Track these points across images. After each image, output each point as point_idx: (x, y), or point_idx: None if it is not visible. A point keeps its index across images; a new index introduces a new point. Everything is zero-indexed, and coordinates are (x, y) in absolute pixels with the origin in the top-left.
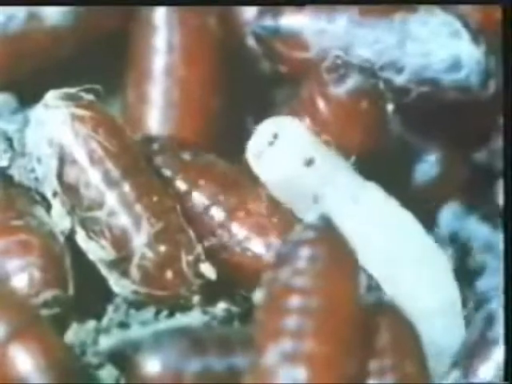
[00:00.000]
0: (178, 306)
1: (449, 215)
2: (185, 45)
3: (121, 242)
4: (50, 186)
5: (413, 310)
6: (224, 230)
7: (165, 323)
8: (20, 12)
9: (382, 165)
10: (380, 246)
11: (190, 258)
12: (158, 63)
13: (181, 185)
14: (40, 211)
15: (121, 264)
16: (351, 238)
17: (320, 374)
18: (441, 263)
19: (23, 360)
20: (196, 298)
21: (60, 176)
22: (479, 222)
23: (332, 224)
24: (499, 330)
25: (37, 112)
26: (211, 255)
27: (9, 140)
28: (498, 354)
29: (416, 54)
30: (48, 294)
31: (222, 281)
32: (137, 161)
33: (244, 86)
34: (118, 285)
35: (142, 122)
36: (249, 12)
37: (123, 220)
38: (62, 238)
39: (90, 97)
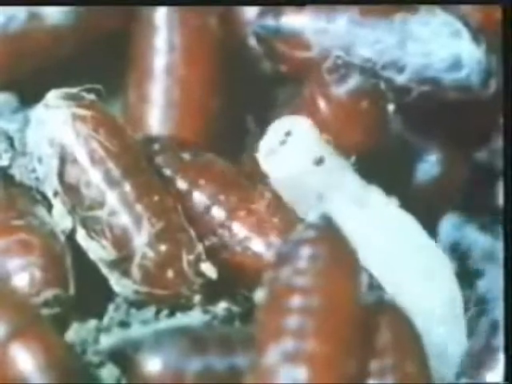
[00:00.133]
0: (178, 305)
1: (448, 226)
2: (185, 45)
3: (121, 242)
4: (50, 186)
5: (414, 312)
6: (225, 230)
7: (165, 322)
8: (21, 12)
9: (382, 165)
10: (383, 250)
11: (191, 257)
12: (158, 63)
13: (181, 184)
14: (41, 211)
15: (121, 263)
16: (354, 240)
17: (321, 373)
18: (443, 267)
19: (24, 359)
20: (197, 298)
21: (61, 176)
22: (479, 232)
23: (333, 223)
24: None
25: (38, 112)
26: (212, 255)
27: (9, 139)
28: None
29: (417, 53)
30: (49, 294)
31: (222, 280)
32: (137, 160)
33: (244, 85)
34: (119, 284)
35: (143, 122)
36: (249, 12)
37: (124, 219)
38: (62, 238)
39: (90, 97)
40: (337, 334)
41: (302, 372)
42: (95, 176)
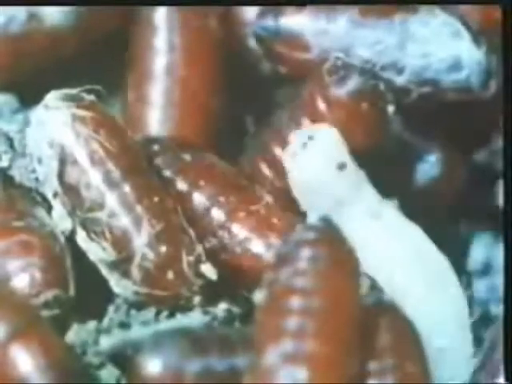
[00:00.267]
0: (178, 306)
1: (480, 245)
2: (185, 45)
3: (121, 243)
4: (50, 187)
5: (422, 322)
6: (224, 231)
7: (165, 324)
8: (20, 12)
9: (382, 165)
10: (393, 261)
11: (191, 258)
12: (158, 63)
13: (181, 185)
14: (41, 212)
15: (121, 265)
16: (367, 250)
17: (320, 374)
18: (451, 280)
19: (24, 360)
20: (197, 299)
21: (61, 177)
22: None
23: (333, 225)
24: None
25: (37, 113)
26: (212, 256)
27: (9, 140)
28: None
29: (416, 54)
30: (49, 295)
31: (222, 281)
32: (137, 161)
33: (244, 86)
34: (119, 285)
35: (143, 123)
36: (249, 12)
37: (124, 221)
38: (62, 239)
39: (90, 97)
40: (336, 334)
41: (301, 373)
42: (95, 177)
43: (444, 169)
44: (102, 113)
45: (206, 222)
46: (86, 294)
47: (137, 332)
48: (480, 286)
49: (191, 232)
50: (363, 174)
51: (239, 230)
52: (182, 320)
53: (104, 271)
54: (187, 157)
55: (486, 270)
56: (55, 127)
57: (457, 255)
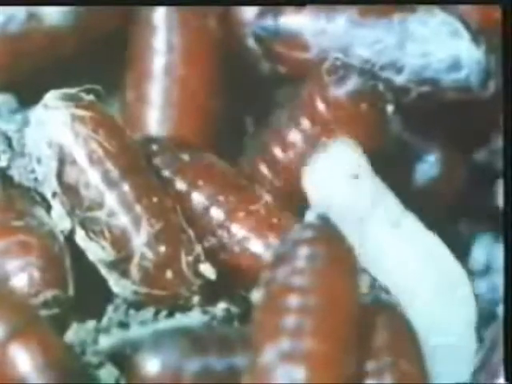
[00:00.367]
0: (177, 305)
1: (481, 247)
2: (184, 45)
3: (120, 243)
4: (49, 187)
5: (434, 328)
6: (224, 230)
7: (164, 323)
8: (20, 12)
9: (381, 165)
10: (413, 271)
11: (190, 258)
12: (157, 63)
13: (180, 185)
14: (40, 212)
15: (120, 264)
16: (388, 259)
17: (318, 373)
18: (465, 286)
19: (23, 360)
20: (196, 298)
21: (60, 176)
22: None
23: (330, 223)
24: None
25: (37, 112)
26: (211, 255)
27: (8, 140)
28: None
29: (416, 54)
30: (48, 294)
31: (221, 281)
32: (136, 161)
33: (243, 86)
34: (118, 285)
35: (142, 122)
36: (249, 12)
37: (123, 220)
38: (61, 239)
39: (89, 97)
40: (334, 333)
41: (299, 371)
42: (94, 177)
43: (444, 169)
44: (100, 112)
45: (205, 222)
46: (85, 293)
47: (136, 331)
48: (480, 286)
49: (190, 232)
50: (380, 182)
51: (238, 230)
52: (181, 319)
53: (103, 271)
54: (186, 157)
55: (486, 269)
56: (54, 127)
57: (456, 255)
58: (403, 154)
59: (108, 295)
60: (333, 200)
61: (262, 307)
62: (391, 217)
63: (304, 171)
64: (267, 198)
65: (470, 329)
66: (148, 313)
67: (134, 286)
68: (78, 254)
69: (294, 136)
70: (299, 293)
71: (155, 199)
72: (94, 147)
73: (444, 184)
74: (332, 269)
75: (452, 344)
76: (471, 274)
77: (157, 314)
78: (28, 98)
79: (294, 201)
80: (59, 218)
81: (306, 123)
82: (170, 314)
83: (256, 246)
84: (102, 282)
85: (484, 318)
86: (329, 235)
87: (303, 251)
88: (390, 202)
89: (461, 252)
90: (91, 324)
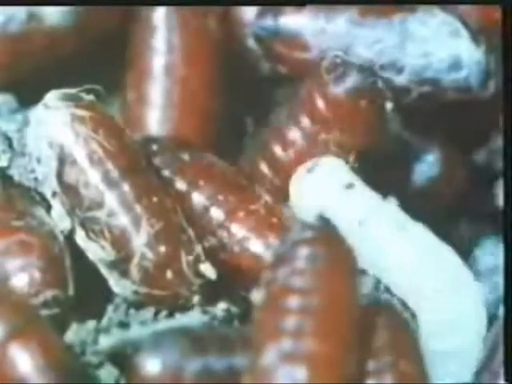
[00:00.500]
0: (177, 305)
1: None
2: (184, 45)
3: (121, 242)
4: (49, 187)
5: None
6: (224, 230)
7: (165, 323)
8: (20, 12)
9: (381, 165)
10: (418, 275)
11: (190, 258)
12: (157, 63)
13: (180, 185)
14: (40, 211)
15: (121, 264)
16: (397, 262)
17: (319, 373)
18: (471, 288)
19: (23, 360)
20: (196, 298)
21: (60, 176)
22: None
23: (330, 224)
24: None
25: (37, 112)
26: (211, 255)
27: (9, 140)
28: None
29: (416, 54)
30: (48, 294)
31: (221, 281)
32: (136, 161)
33: (243, 86)
34: (118, 285)
35: (142, 122)
36: (249, 12)
37: (123, 220)
38: (61, 238)
39: (90, 97)
40: (335, 333)
41: (300, 372)
42: (94, 176)
43: (443, 169)
44: (101, 112)
45: (205, 222)
46: (85, 293)
47: (136, 331)
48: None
49: (190, 231)
50: (373, 193)
51: (238, 230)
52: (181, 319)
53: (103, 271)
54: (186, 156)
55: (486, 269)
56: (54, 127)
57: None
58: (403, 154)
59: (108, 295)
60: (328, 209)
61: (262, 307)
62: (394, 219)
63: (293, 190)
64: (267, 197)
65: (478, 333)
66: (148, 313)
67: (134, 285)
68: (78, 254)
69: (294, 134)
70: (299, 293)
71: (155, 199)
72: (94, 147)
73: (444, 184)
74: (332, 269)
75: (459, 348)
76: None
77: (157, 313)
78: (28, 97)
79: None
80: (59, 218)
81: (305, 121)
82: (170, 314)
83: (256, 245)
84: (102, 281)
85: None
86: (329, 236)
87: (303, 252)
88: (388, 205)
89: (461, 252)
90: (91, 324)
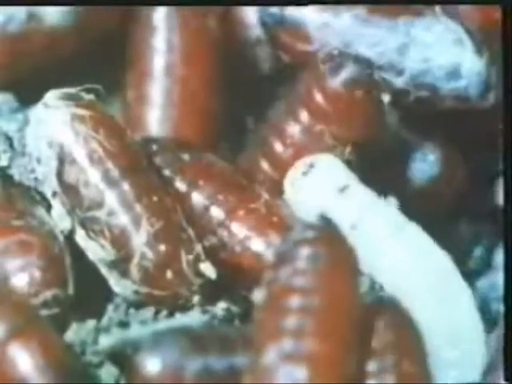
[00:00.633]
0: (178, 305)
1: None
2: (184, 45)
3: (121, 242)
4: (49, 186)
5: (433, 332)
6: (224, 230)
7: (165, 323)
8: (20, 12)
9: (380, 165)
10: (413, 276)
11: (190, 257)
12: (157, 63)
13: (180, 185)
14: (40, 211)
15: (121, 264)
16: (393, 265)
17: (320, 373)
18: (464, 293)
19: (23, 359)
20: (196, 298)
21: (60, 176)
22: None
23: (332, 224)
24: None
25: (37, 112)
26: (211, 254)
27: (9, 140)
28: None
29: (417, 58)
30: (48, 294)
31: (222, 280)
32: (137, 161)
33: (244, 86)
34: (118, 285)
35: (142, 122)
36: (249, 11)
37: (123, 220)
38: (62, 238)
39: (90, 97)
40: (336, 333)
41: (301, 372)
42: (94, 176)
43: (443, 168)
44: (101, 112)
45: (206, 221)
46: (86, 293)
47: (136, 331)
48: (480, 285)
49: (190, 231)
50: (371, 191)
51: (239, 229)
52: (181, 319)
53: (103, 270)
54: (186, 156)
55: (486, 269)
56: (54, 126)
57: (456, 255)
58: (403, 154)
59: (108, 295)
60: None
61: (263, 307)
62: (391, 220)
63: (288, 189)
64: (267, 196)
65: (477, 340)
66: (148, 312)
67: (134, 285)
68: (78, 254)
69: (293, 129)
70: (301, 293)
71: (155, 198)
72: (94, 146)
73: (444, 184)
74: (333, 269)
75: (457, 356)
76: (471, 273)
77: (157, 313)
78: (28, 97)
79: None
80: (59, 218)
81: (304, 115)
82: (171, 314)
83: (256, 244)
84: (102, 281)
85: (484, 318)
86: (330, 236)
87: (305, 251)
88: (385, 206)
89: (461, 252)
90: (91, 323)
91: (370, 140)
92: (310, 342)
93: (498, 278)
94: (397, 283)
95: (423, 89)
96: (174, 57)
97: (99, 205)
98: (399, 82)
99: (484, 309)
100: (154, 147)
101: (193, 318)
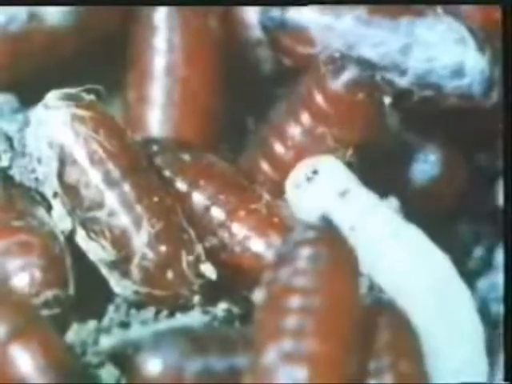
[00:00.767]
0: (178, 306)
1: None
2: (185, 45)
3: (121, 242)
4: (50, 187)
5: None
6: (224, 230)
7: (165, 323)
8: (21, 12)
9: (381, 165)
10: (412, 278)
11: (191, 258)
12: (158, 63)
13: (181, 185)
14: (40, 212)
15: (121, 264)
16: (390, 269)
17: (320, 373)
18: (464, 297)
19: (23, 360)
20: (196, 298)
21: (60, 176)
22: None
23: (333, 224)
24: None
25: (37, 112)
26: (212, 255)
27: (9, 140)
28: None
29: (420, 58)
30: (48, 294)
31: (222, 281)
32: (137, 161)
33: (245, 86)
34: (119, 285)
35: (143, 123)
36: (250, 12)
37: (123, 220)
38: (62, 239)
39: (90, 97)
40: (336, 333)
41: (301, 372)
42: (95, 177)
43: (444, 169)
44: (101, 112)
45: (206, 222)
46: (86, 293)
47: (137, 331)
48: (480, 286)
49: (191, 231)
50: (373, 194)
51: (239, 229)
52: (181, 319)
53: (104, 271)
54: (186, 157)
55: (486, 269)
56: (55, 127)
57: (456, 255)
58: (404, 154)
59: (109, 295)
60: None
61: (263, 307)
62: (389, 224)
63: (290, 193)
64: (268, 197)
65: (476, 341)
66: (149, 313)
67: (135, 285)
68: (79, 254)
69: (294, 130)
70: (301, 293)
71: (156, 199)
72: (94, 147)
73: (444, 184)
74: (334, 270)
75: (456, 357)
76: (471, 273)
77: (158, 314)
78: (29, 97)
79: None
80: (60, 218)
81: (305, 117)
82: (171, 314)
83: (257, 245)
84: (103, 281)
85: (483, 318)
86: (331, 236)
87: (305, 252)
88: (385, 210)
89: (461, 252)
90: (92, 324)
91: (371, 142)
92: (310, 343)
93: (498, 278)
94: (396, 284)
95: (427, 88)
96: (175, 57)
97: (100, 205)
98: (403, 82)
99: (484, 309)
100: (155, 148)
101: (193, 318)
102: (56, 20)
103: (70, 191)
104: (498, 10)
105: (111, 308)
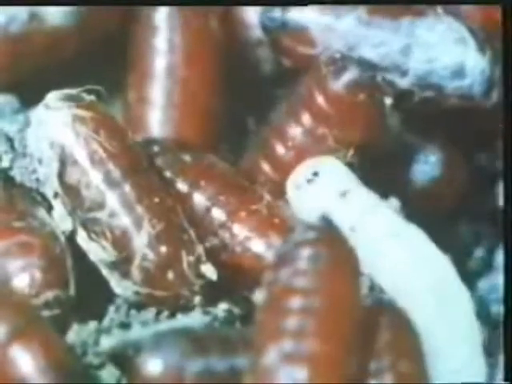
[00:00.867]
0: (179, 306)
1: None
2: (186, 45)
3: (122, 243)
4: (51, 187)
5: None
6: (225, 231)
7: (166, 324)
8: (21, 12)
9: (382, 166)
10: (412, 279)
11: (191, 258)
12: (159, 64)
13: (182, 186)
14: (41, 212)
15: (122, 265)
16: (390, 270)
17: (321, 373)
18: (463, 299)
19: (24, 361)
20: (197, 299)
21: (61, 177)
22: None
23: (333, 225)
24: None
25: (38, 113)
26: (212, 256)
27: (10, 141)
28: None
29: (421, 58)
30: (49, 295)
31: (223, 281)
32: (138, 162)
33: (245, 87)
34: (120, 286)
35: (143, 123)
36: (251, 12)
37: (124, 221)
38: (63, 239)
39: (91, 97)
40: (337, 334)
41: (301, 372)
42: (95, 177)
43: (444, 169)
44: (102, 113)
45: (207, 222)
46: (87, 294)
47: (137, 332)
48: (480, 286)
49: (192, 232)
50: (374, 195)
51: (240, 230)
52: (182, 320)
53: (104, 271)
54: (187, 158)
55: (486, 270)
56: (55, 127)
57: (456, 256)
58: (404, 155)
59: (109, 296)
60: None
61: (264, 308)
62: (389, 225)
63: (291, 194)
64: (269, 198)
65: (475, 342)
66: (149, 313)
67: (136, 286)
68: (80, 255)
69: (295, 131)
70: (301, 294)
71: (156, 200)
72: (95, 148)
73: (445, 184)
74: (334, 270)
75: (455, 357)
76: (472, 274)
77: (158, 314)
78: (30, 98)
79: None
80: (61, 219)
81: (306, 118)
82: (172, 315)
83: (258, 246)
84: (104, 282)
85: (483, 318)
86: (331, 236)
87: (305, 252)
88: (385, 211)
89: (461, 253)
90: (92, 325)
91: (372, 142)
92: (311, 343)
93: (498, 278)
94: (396, 284)
95: (428, 89)
96: (176, 57)
97: (100, 206)
98: (403, 82)
99: (484, 310)
100: (155, 148)
101: (194, 318)
102: (57, 20)
103: (71, 192)
104: (498, 10)
105: (112, 309)
